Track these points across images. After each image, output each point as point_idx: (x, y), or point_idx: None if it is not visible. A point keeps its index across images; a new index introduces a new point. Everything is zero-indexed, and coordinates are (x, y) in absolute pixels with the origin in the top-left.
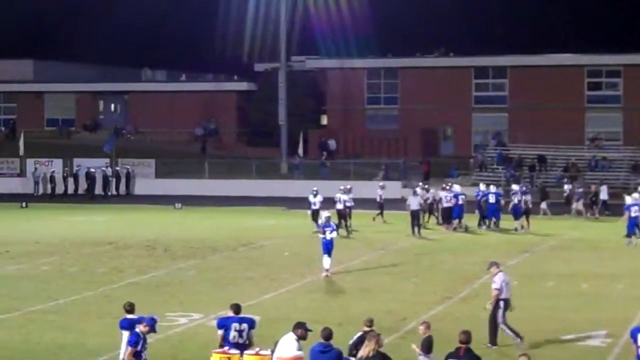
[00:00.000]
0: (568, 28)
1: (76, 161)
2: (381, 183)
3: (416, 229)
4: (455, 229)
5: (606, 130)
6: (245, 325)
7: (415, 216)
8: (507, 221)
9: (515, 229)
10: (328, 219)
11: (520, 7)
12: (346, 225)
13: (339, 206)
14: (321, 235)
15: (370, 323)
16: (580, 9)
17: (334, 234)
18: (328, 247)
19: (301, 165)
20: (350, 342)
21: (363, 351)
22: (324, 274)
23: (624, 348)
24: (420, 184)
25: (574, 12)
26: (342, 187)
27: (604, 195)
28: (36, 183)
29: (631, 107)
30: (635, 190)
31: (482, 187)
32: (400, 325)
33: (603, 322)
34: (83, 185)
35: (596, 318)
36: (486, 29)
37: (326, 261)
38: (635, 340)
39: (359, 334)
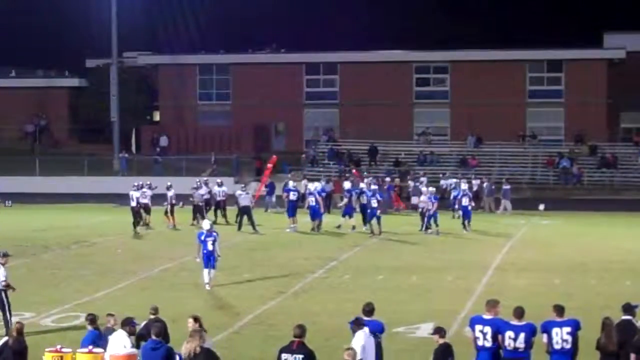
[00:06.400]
0: (396, 26)
1: None
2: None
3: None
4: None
5: (434, 125)
6: None
7: (245, 212)
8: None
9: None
10: (211, 225)
11: (352, 4)
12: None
13: (143, 200)
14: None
15: (154, 311)
16: (408, 7)
17: (216, 245)
18: (210, 259)
19: (124, 161)
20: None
21: (186, 347)
22: (207, 287)
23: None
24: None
25: (404, 11)
26: (148, 183)
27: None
28: None
29: (457, 102)
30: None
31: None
32: (234, 320)
33: (432, 314)
34: None
35: (425, 310)
36: (317, 25)
37: (206, 275)
38: (473, 329)
39: (145, 322)
